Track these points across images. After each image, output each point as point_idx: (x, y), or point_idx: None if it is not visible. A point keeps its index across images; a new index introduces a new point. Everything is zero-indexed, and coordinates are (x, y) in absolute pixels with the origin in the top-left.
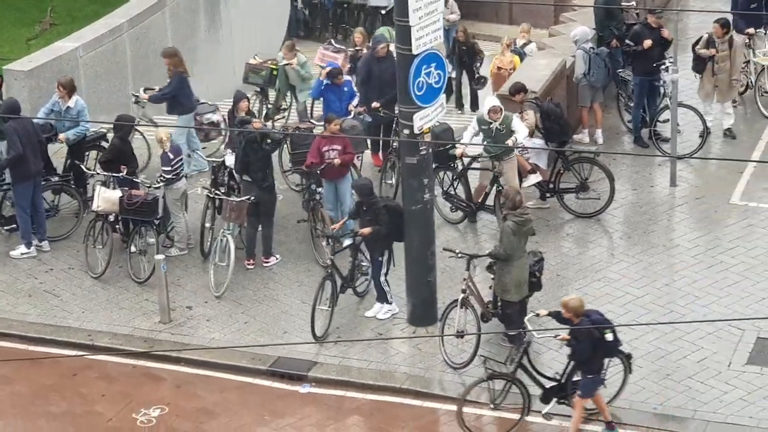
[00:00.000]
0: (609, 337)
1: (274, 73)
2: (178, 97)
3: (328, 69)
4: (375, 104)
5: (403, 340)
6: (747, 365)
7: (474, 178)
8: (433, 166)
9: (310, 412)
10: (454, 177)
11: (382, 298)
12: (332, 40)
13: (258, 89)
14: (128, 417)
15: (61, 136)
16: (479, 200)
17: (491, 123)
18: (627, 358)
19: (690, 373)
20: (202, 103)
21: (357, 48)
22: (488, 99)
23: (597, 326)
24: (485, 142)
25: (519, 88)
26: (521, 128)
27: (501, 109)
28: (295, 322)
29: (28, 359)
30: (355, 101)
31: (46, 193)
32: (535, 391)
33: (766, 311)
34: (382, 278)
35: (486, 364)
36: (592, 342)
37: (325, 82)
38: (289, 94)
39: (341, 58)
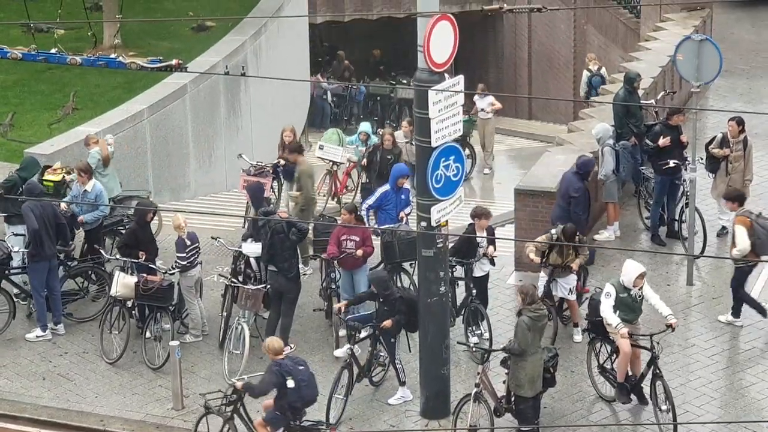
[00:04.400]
0: (290, 383)
1: (47, 187)
2: None
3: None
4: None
5: None
6: None
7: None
8: (590, 337)
9: None
10: (612, 350)
11: (398, 378)
12: (252, 165)
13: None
14: None
15: (80, 218)
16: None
17: (630, 290)
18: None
19: None
20: None
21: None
22: (631, 264)
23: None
24: (616, 313)
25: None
26: (657, 296)
27: (645, 273)
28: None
29: None
30: (408, 209)
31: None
32: None
33: None
34: (397, 359)
35: (205, 397)
36: (277, 381)
37: (386, 189)
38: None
39: (268, 181)
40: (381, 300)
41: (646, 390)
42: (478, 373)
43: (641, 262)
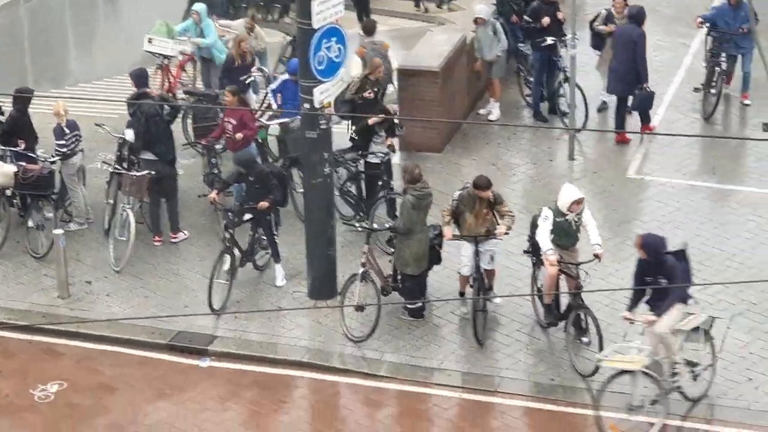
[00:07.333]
0: None
1: None
2: None
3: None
4: None
5: (303, 314)
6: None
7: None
8: (532, 260)
9: (210, 385)
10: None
11: (277, 255)
12: None
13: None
14: (26, 393)
15: None
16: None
17: (567, 216)
18: None
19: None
20: None
21: None
22: (567, 189)
23: None
24: (552, 237)
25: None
26: (593, 223)
27: (583, 198)
28: (196, 297)
29: None
30: None
31: None
32: None
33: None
34: (276, 236)
35: None
36: None
37: (286, 78)
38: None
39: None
40: (251, 179)
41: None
42: (364, 253)
43: (524, 138)
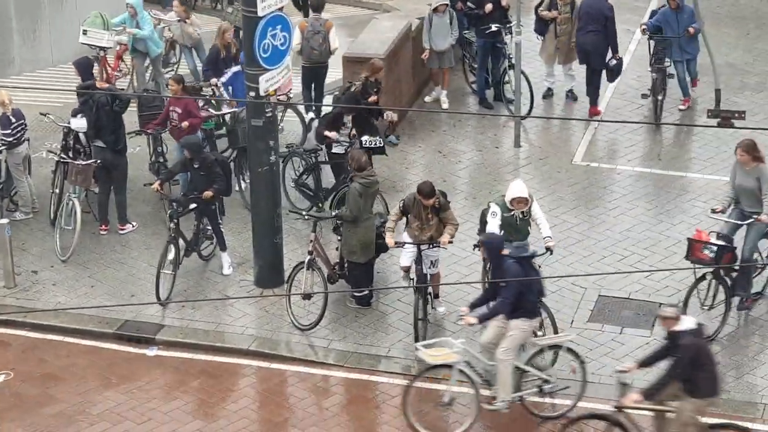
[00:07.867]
0: None
1: None
2: None
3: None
4: None
5: (250, 302)
6: (588, 323)
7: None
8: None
9: (158, 374)
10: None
11: (223, 243)
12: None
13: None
14: None
15: None
16: None
17: (512, 211)
18: None
19: None
20: None
21: None
22: (515, 184)
23: None
24: (501, 233)
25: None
26: (543, 216)
27: (527, 199)
28: (142, 285)
29: None
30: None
31: None
32: None
33: (607, 269)
34: (220, 224)
35: None
36: None
37: (237, 69)
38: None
39: None
40: (196, 166)
41: None
42: (311, 241)
43: (470, 125)
